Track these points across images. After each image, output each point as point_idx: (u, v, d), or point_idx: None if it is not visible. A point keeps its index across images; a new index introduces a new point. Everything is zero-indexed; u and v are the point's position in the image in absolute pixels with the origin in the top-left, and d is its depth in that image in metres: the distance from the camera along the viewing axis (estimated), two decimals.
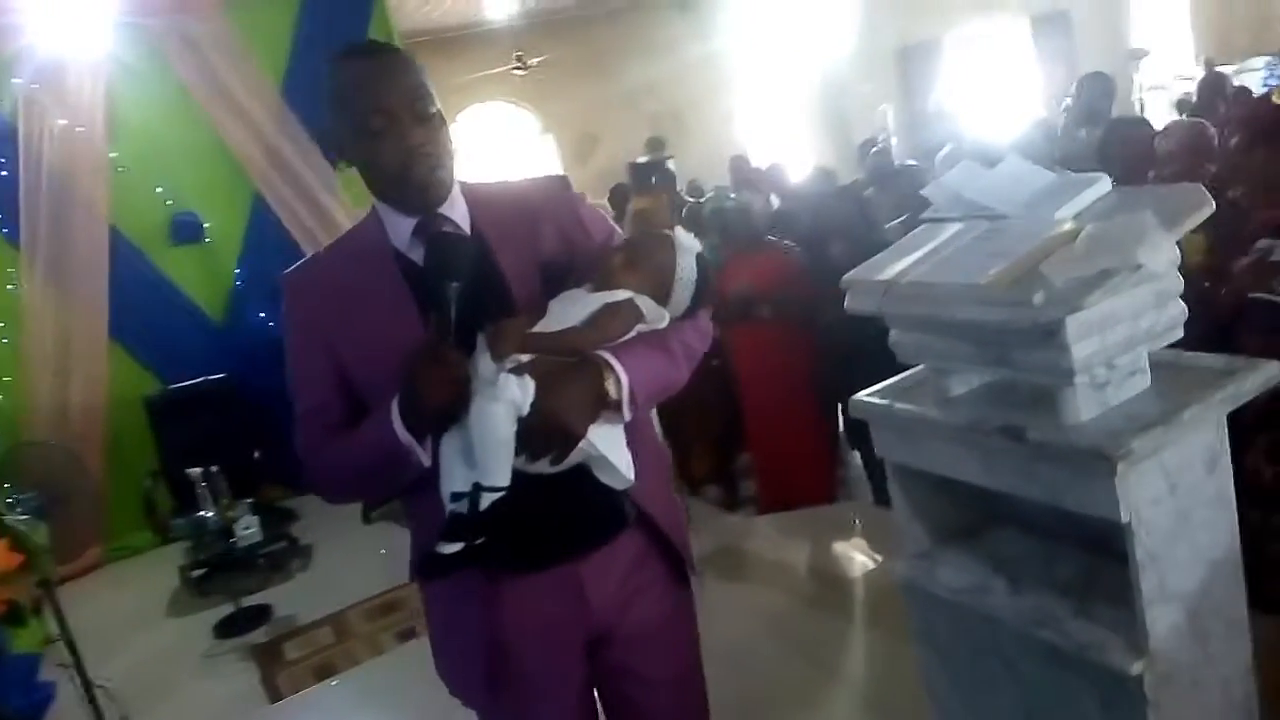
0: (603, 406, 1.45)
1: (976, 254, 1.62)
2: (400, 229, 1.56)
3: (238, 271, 6.30)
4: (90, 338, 5.81)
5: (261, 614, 4.51)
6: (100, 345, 5.86)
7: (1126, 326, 1.48)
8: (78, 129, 5.72)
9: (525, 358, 1.42)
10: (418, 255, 1.53)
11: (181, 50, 5.95)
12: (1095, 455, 1.40)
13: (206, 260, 6.24)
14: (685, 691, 1.78)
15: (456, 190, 1.59)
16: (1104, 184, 1.65)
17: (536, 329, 1.46)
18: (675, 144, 10.50)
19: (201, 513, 4.49)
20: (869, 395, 1.85)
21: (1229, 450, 1.54)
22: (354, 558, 5.18)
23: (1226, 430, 1.53)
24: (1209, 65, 11.89)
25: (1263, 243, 2.48)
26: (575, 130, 11.41)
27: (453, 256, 1.46)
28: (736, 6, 11.04)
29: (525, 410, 1.38)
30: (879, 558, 3.72)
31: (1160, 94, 12.72)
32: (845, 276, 1.79)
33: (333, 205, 6.28)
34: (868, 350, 3.67)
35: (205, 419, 5.57)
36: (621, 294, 1.50)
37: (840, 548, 3.93)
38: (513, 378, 1.39)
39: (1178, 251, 1.51)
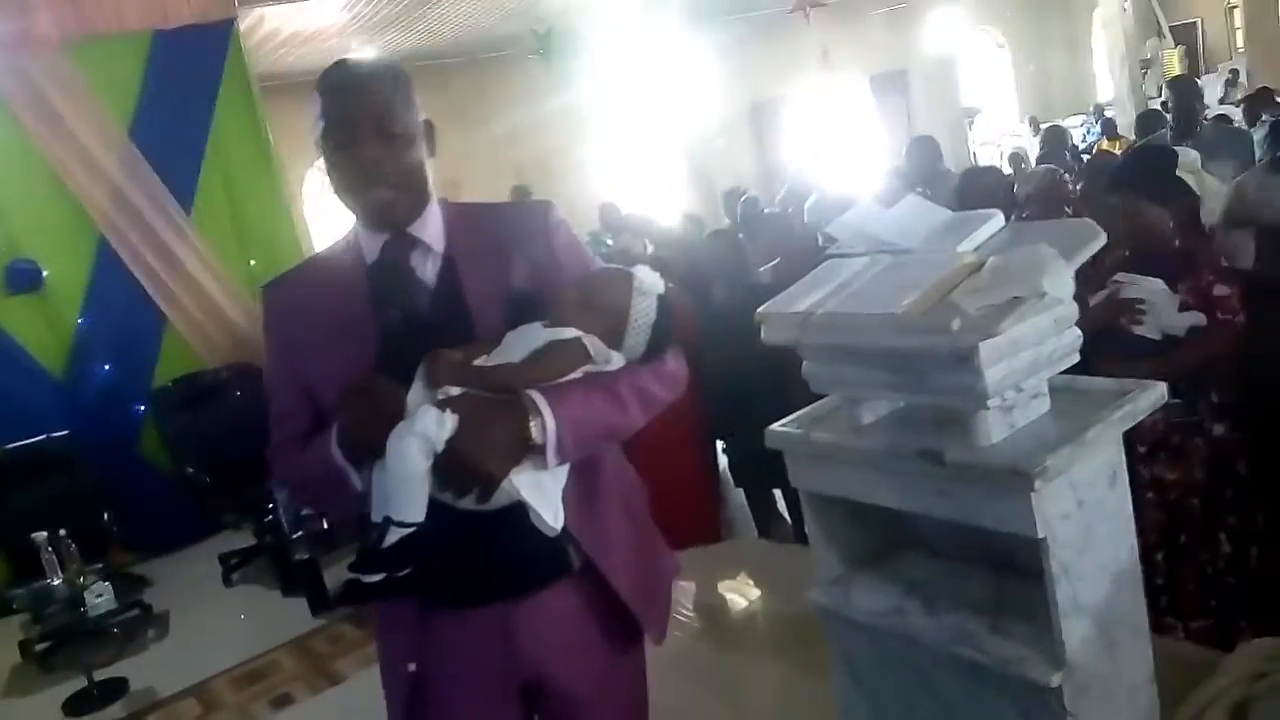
0: (527, 450, 1.39)
1: (886, 285, 1.68)
2: (371, 246, 1.53)
3: (80, 321, 5.90)
4: None
5: (118, 688, 4.17)
6: None
7: (1031, 351, 1.56)
8: None
9: (456, 391, 1.37)
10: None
11: (19, 87, 5.60)
12: (1012, 473, 1.46)
13: (46, 310, 5.82)
14: None
15: (433, 209, 1.56)
16: (998, 220, 1.75)
17: (483, 361, 1.42)
18: (540, 191, 10.50)
19: (46, 581, 4.14)
20: (783, 425, 1.89)
21: (1126, 467, 1.64)
22: (214, 623, 4.89)
23: (1123, 448, 1.63)
24: (1034, 123, 12.84)
25: (1117, 277, 2.68)
26: (438, 176, 11.26)
27: (395, 287, 1.44)
28: (598, 58, 11.23)
29: (439, 446, 1.32)
30: (770, 592, 3.76)
31: (990, 149, 13.65)
32: (760, 309, 1.82)
33: (184, 252, 6.00)
34: (750, 389, 3.79)
35: (46, 480, 5.14)
36: (569, 333, 1.45)
37: (730, 585, 3.95)
38: (433, 411, 1.33)
39: (1073, 281, 1.60)
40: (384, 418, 1.35)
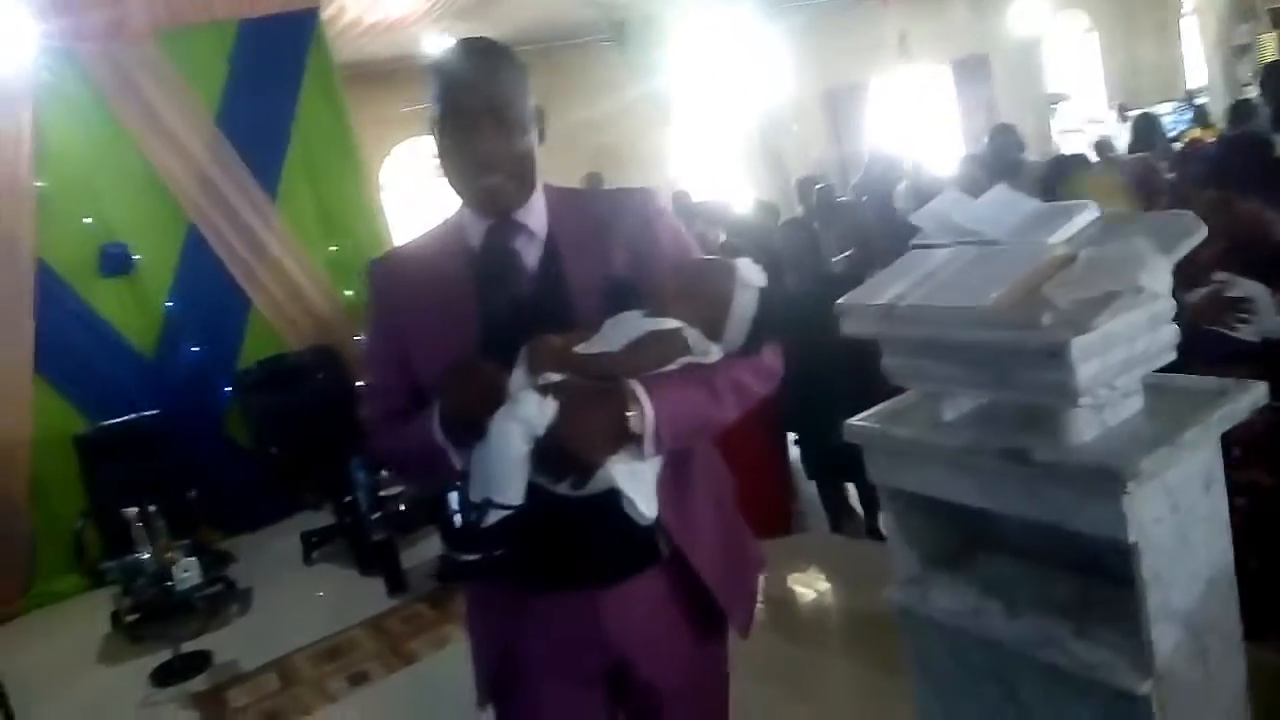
0: (625, 439, 1.39)
1: (974, 278, 1.63)
2: (476, 230, 1.55)
3: (169, 304, 6.10)
4: (14, 374, 5.55)
5: (201, 660, 4.31)
6: (25, 382, 5.59)
7: (1124, 349, 1.50)
8: (2, 157, 5.50)
9: (556, 377, 1.38)
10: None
11: (113, 77, 5.80)
12: (1104, 475, 1.41)
13: (136, 292, 6.03)
14: None
15: (538, 195, 1.57)
16: (1091, 211, 1.69)
17: (583, 348, 1.42)
18: (613, 180, 10.54)
19: (136, 555, 4.30)
20: (862, 420, 1.85)
21: (1223, 470, 1.57)
22: (295, 601, 5.02)
23: (1221, 451, 1.56)
24: (1121, 110, 12.44)
25: (1218, 276, 2.57)
26: None
27: (502, 272, 1.47)
28: (673, 45, 11.18)
29: (540, 431, 1.34)
30: (841, 588, 3.73)
31: (1075, 137, 13.26)
32: (840, 300, 1.79)
33: (268, 237, 6.17)
34: (824, 381, 3.74)
35: (137, 458, 5.34)
36: (670, 323, 1.44)
37: (801, 579, 3.92)
38: (534, 396, 1.35)
39: (1170, 276, 1.54)
40: (486, 400, 1.37)
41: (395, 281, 1.62)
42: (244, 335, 6.27)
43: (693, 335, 1.45)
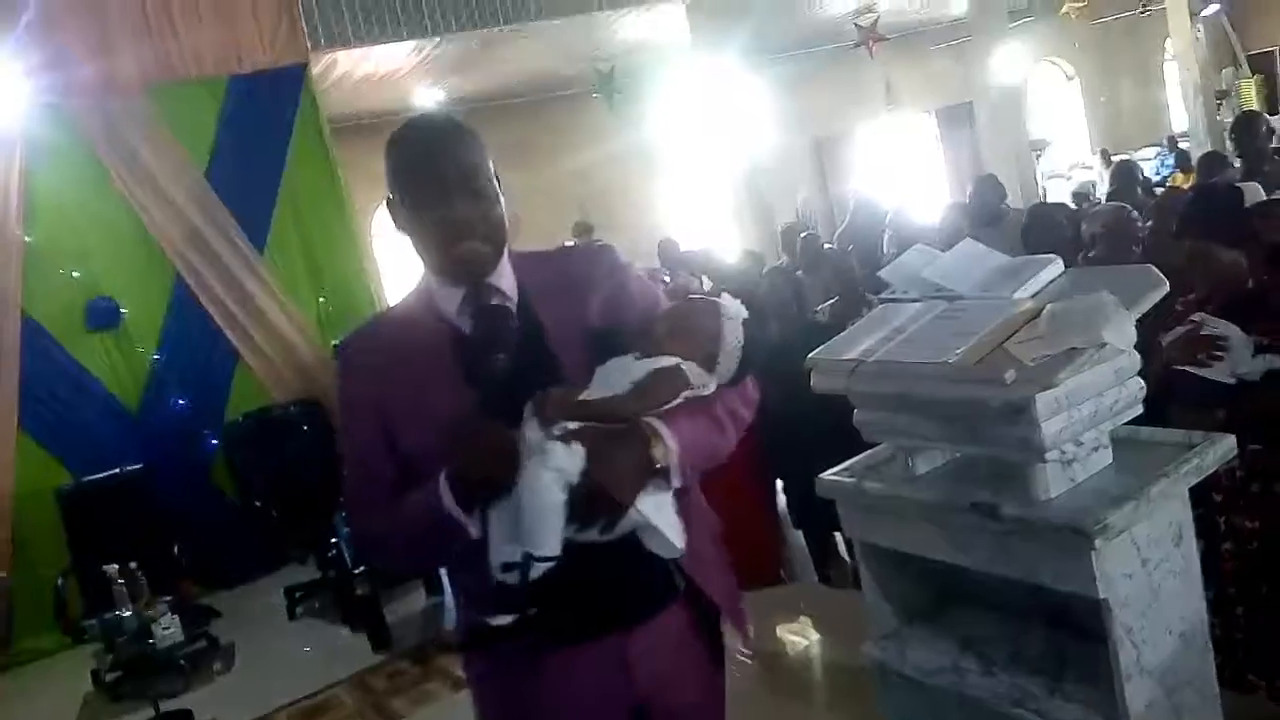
0: (651, 474, 1.44)
1: (940, 333, 1.65)
2: (448, 299, 1.56)
3: (156, 358, 6.09)
4: None
5: (183, 719, 4.24)
6: (8, 436, 5.56)
7: (1091, 403, 1.51)
8: None
9: (573, 425, 1.40)
10: (465, 324, 1.53)
11: (103, 131, 5.84)
12: (1070, 531, 1.41)
13: (123, 347, 6.01)
14: None
15: (505, 259, 1.59)
16: (1057, 265, 1.71)
17: (588, 395, 1.45)
18: (602, 228, 10.61)
19: (117, 612, 4.25)
20: (835, 474, 1.86)
21: (1193, 524, 1.57)
22: (279, 657, 4.96)
23: (1190, 504, 1.56)
24: (1105, 155, 12.60)
25: (1195, 317, 2.59)
26: None
27: (499, 330, 1.48)
28: (659, 97, 11.34)
29: (574, 478, 1.37)
30: (828, 639, 3.69)
31: (1060, 182, 13.41)
32: (810, 356, 1.80)
33: (257, 290, 6.18)
34: (808, 429, 3.74)
35: (120, 512, 5.28)
36: (669, 361, 1.49)
37: (787, 630, 3.89)
38: (561, 445, 1.37)
39: (1134, 331, 1.55)
40: (499, 458, 1.38)
41: (369, 361, 1.61)
42: (230, 388, 6.24)
43: (691, 369, 1.50)
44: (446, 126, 1.55)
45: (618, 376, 1.48)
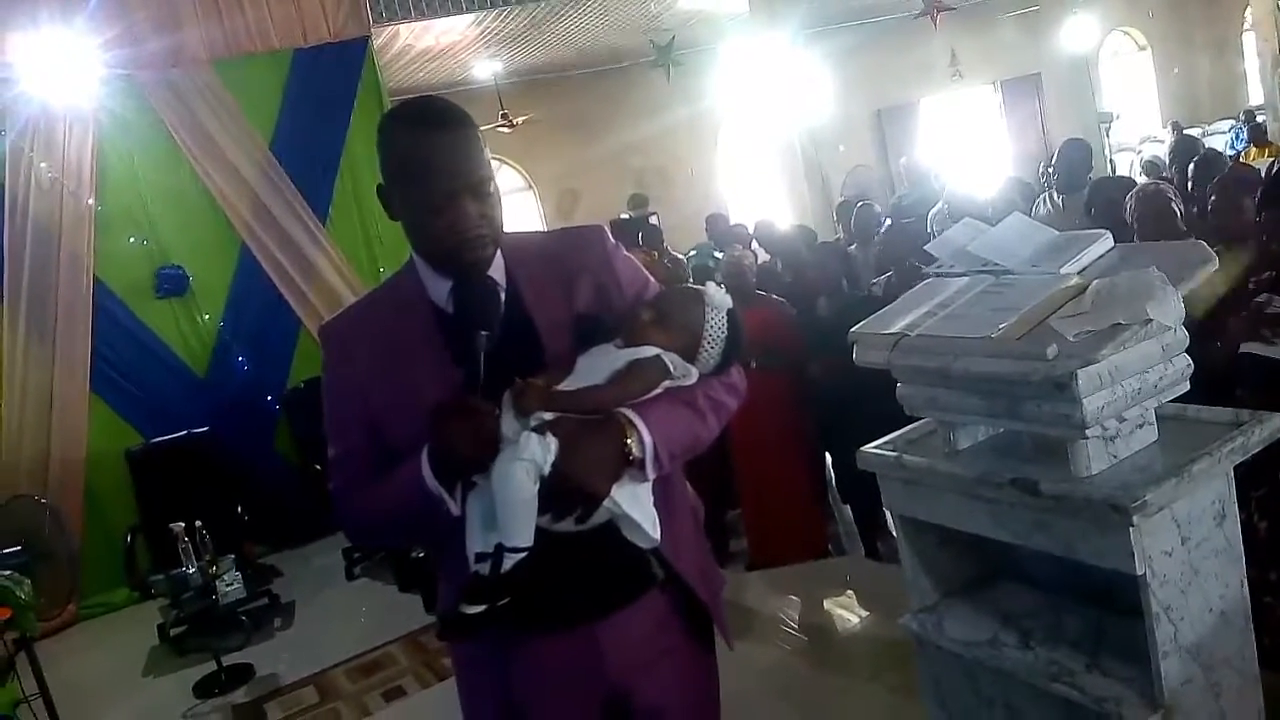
0: (626, 465, 1.43)
1: (984, 308, 1.65)
2: (438, 286, 1.55)
3: (222, 324, 6.27)
4: (71, 391, 5.74)
5: (243, 673, 4.40)
6: (81, 398, 5.78)
7: (1135, 380, 1.50)
8: (64, 181, 5.71)
9: (549, 416, 1.41)
10: (451, 307, 1.53)
11: (171, 103, 5.99)
12: (1109, 507, 1.41)
13: (190, 313, 6.20)
14: None
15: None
16: (1106, 241, 1.69)
17: (564, 385, 1.45)
18: (658, 200, 10.61)
19: (182, 569, 4.39)
20: (876, 447, 1.86)
21: (1236, 502, 1.56)
22: (336, 616, 5.11)
23: (1234, 483, 1.55)
24: (1176, 128, 12.21)
25: (1262, 297, 2.54)
26: (558, 186, 11.54)
27: (482, 306, 1.47)
28: (718, 68, 11.26)
29: (547, 470, 1.37)
30: (873, 613, 3.70)
31: (1129, 155, 13.04)
32: (853, 330, 1.81)
33: (319, 259, 6.31)
34: (855, 404, 3.73)
35: (187, 473, 5.51)
36: (649, 351, 1.48)
37: (833, 603, 3.90)
38: (535, 436, 1.38)
39: (1183, 307, 1.54)
40: (479, 437, 1.39)
41: (353, 342, 1.58)
42: (293, 355, 6.40)
43: (672, 359, 1.50)
44: (453, 123, 1.48)
45: (599, 365, 1.48)
